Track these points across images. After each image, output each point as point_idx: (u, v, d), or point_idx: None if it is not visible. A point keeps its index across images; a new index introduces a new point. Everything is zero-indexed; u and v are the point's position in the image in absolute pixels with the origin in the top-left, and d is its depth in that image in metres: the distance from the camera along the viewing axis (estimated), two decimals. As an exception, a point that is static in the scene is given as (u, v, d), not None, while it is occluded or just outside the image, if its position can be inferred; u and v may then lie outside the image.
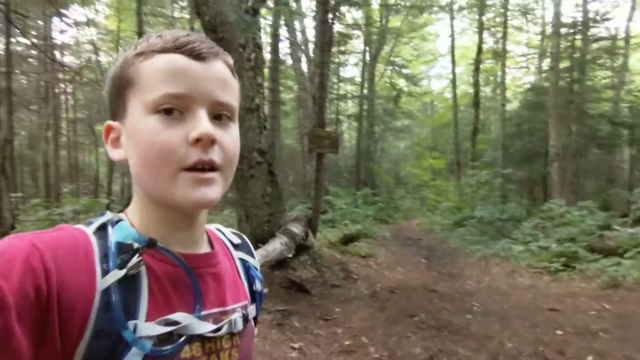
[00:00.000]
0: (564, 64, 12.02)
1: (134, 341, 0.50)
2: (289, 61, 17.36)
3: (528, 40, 21.37)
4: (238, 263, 0.72)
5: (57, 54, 16.42)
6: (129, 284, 0.53)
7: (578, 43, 12.51)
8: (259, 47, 5.56)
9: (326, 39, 5.69)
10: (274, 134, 13.00)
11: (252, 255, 0.77)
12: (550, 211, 8.98)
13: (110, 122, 0.60)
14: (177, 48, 0.55)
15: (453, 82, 18.63)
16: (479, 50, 17.11)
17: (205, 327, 0.57)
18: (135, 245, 0.55)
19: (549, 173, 10.88)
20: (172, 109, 0.54)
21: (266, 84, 11.45)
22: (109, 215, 0.60)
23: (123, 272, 0.52)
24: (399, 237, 12.36)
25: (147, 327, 0.52)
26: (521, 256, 7.81)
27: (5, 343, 0.42)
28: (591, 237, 7.45)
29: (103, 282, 0.51)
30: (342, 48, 17.78)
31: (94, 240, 0.54)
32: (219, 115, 0.57)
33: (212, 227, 0.75)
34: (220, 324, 0.59)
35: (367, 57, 19.39)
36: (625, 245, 6.60)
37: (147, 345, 0.51)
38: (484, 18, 17.68)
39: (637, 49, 16.58)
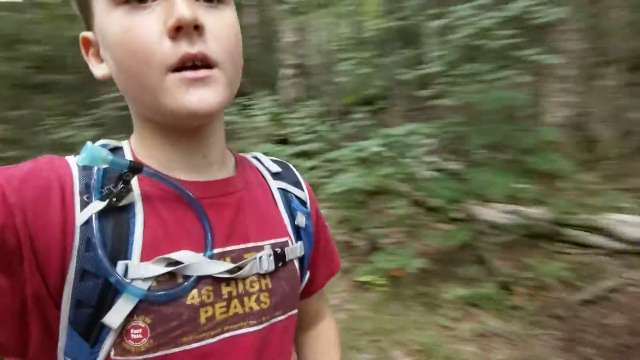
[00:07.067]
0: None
1: (120, 285, 0.42)
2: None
3: None
4: (277, 193, 0.61)
5: None
6: (118, 217, 0.45)
7: None
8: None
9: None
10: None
11: (298, 186, 0.65)
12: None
13: (84, 33, 0.50)
14: None
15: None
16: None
17: (217, 267, 0.47)
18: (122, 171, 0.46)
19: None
20: None
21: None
22: (103, 142, 0.51)
23: (104, 203, 0.44)
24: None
25: (140, 268, 0.43)
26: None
27: None
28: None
29: (82, 216, 0.43)
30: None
31: (75, 169, 0.46)
32: None
33: (249, 155, 0.65)
34: (240, 263, 0.50)
35: None
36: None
37: (140, 290, 0.43)
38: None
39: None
